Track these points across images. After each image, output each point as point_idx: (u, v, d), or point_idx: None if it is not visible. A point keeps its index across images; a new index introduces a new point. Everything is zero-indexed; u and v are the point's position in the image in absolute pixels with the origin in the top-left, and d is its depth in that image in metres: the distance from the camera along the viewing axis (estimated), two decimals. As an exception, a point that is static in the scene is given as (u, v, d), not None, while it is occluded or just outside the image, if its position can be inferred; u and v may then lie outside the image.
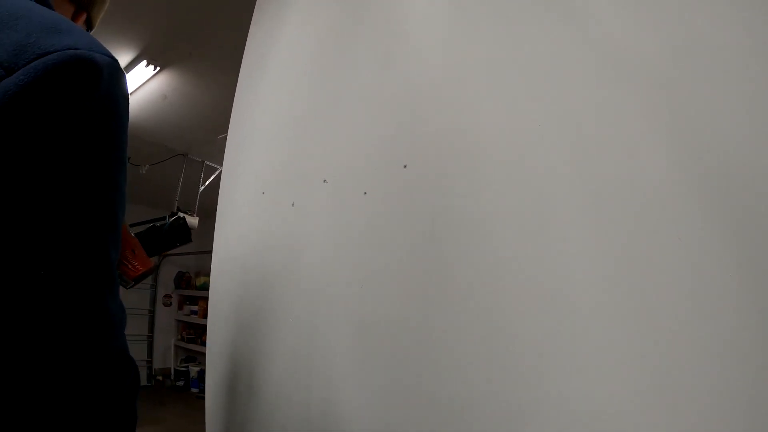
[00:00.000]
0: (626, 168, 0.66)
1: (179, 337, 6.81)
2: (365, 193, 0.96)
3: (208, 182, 5.49)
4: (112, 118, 0.59)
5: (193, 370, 6.36)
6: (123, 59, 3.67)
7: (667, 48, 0.68)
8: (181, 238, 0.97)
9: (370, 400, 0.84)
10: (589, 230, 0.67)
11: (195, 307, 6.61)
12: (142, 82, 3.95)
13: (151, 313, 6.62)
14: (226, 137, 1.43)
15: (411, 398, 0.78)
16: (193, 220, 0.99)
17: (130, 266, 0.83)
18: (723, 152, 0.60)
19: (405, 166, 0.91)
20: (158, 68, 3.74)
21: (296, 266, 1.07)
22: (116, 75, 0.60)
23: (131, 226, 0.97)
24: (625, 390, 0.59)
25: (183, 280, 6.96)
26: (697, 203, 0.60)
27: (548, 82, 0.78)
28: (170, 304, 6.92)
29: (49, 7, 0.67)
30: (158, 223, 0.98)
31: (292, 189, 0.99)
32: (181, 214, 0.94)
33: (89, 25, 0.91)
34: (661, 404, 0.56)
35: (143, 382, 6.34)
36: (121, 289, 0.75)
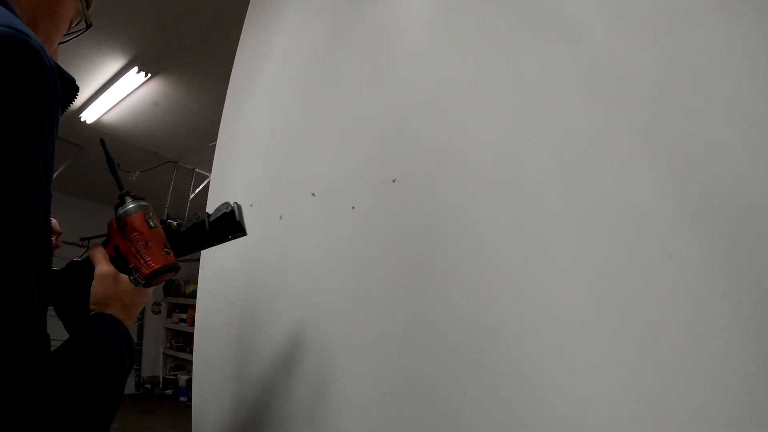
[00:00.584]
0: (618, 184, 0.66)
1: (168, 345, 6.76)
2: (353, 207, 0.95)
3: (198, 190, 5.47)
4: (20, 91, 0.52)
5: (182, 378, 6.31)
6: (113, 66, 3.66)
7: (658, 63, 0.68)
8: (231, 229, 0.84)
9: (360, 413, 0.83)
10: (581, 246, 0.67)
11: (184, 315, 6.57)
12: (133, 88, 3.93)
13: (140, 321, 6.56)
14: (216, 145, 1.42)
15: (401, 419, 0.77)
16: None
17: (141, 262, 0.73)
18: (715, 168, 0.60)
19: (394, 181, 0.90)
20: (149, 75, 3.73)
21: (283, 279, 1.06)
22: (18, 45, 0.53)
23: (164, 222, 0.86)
24: (616, 407, 0.58)
25: (172, 288, 6.91)
26: (689, 219, 0.60)
27: (539, 99, 0.78)
28: (159, 311, 6.87)
29: None
30: (203, 216, 0.87)
31: (281, 202, 0.98)
32: (231, 202, 0.85)
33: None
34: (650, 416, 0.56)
35: (131, 390, 6.28)
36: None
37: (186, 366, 6.65)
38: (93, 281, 0.75)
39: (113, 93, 4.02)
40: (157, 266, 0.73)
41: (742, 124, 0.60)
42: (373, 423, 0.80)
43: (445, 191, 0.84)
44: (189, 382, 6.16)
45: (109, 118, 4.47)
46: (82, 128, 4.60)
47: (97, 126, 4.59)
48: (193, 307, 6.40)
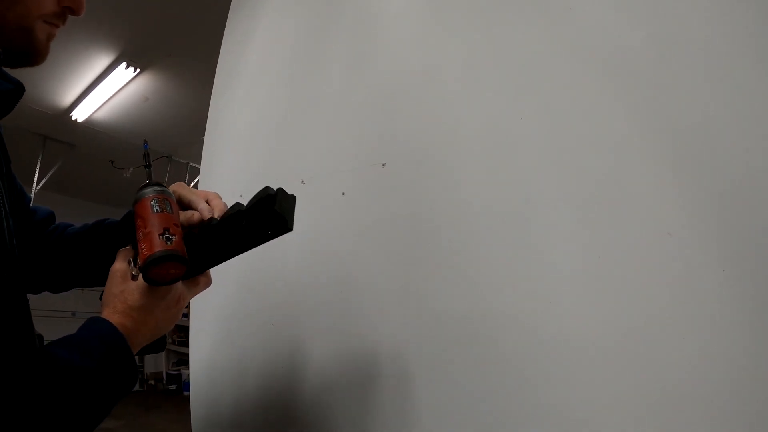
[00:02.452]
0: (612, 163, 0.65)
1: (171, 340, 6.77)
2: (343, 193, 0.94)
3: (192, 184, 5.46)
4: None
5: (185, 373, 6.34)
6: (101, 62, 3.64)
7: (652, 41, 0.67)
8: (270, 221, 0.65)
9: (353, 402, 0.82)
10: (576, 226, 0.66)
11: (186, 310, 6.56)
12: (123, 84, 3.91)
13: (141, 318, 6.57)
14: None
15: (389, 406, 0.77)
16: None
17: (139, 252, 0.63)
18: (711, 147, 0.59)
19: (383, 165, 0.89)
20: (138, 70, 3.71)
21: (274, 269, 1.05)
22: None
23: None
24: (614, 390, 0.58)
25: (172, 283, 6.91)
26: (686, 197, 0.59)
27: (529, 78, 0.76)
28: (160, 307, 6.88)
29: None
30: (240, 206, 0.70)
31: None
32: (272, 188, 0.65)
33: None
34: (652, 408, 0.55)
35: (135, 387, 6.29)
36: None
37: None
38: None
39: (103, 90, 4.02)
40: (149, 253, 0.61)
41: (737, 99, 0.59)
42: (370, 406, 0.79)
43: (435, 174, 0.82)
44: (192, 376, 6.19)
45: (100, 115, 4.46)
46: (74, 127, 4.59)
47: (88, 124, 4.58)
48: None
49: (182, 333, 6.66)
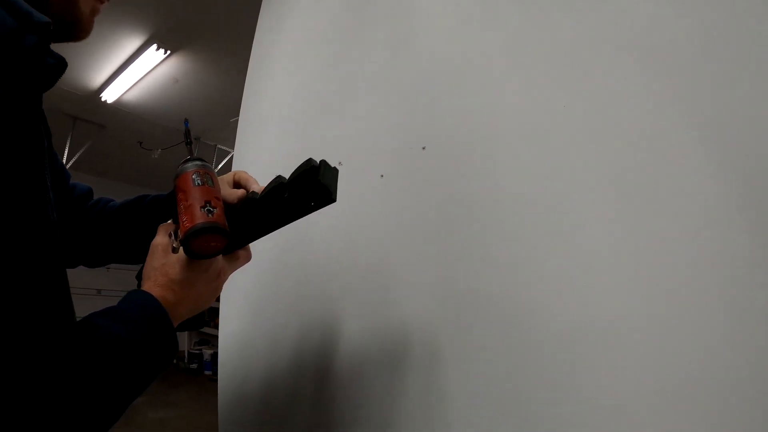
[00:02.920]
0: (653, 156, 0.63)
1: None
2: (382, 175, 0.93)
3: (220, 166, 5.51)
4: None
5: (207, 353, 6.44)
6: (132, 44, 3.67)
7: (697, 32, 0.64)
8: (313, 193, 0.64)
9: (383, 384, 0.82)
10: (612, 217, 0.64)
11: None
12: (153, 66, 3.94)
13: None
14: (238, 120, 1.40)
15: (419, 389, 0.77)
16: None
17: (180, 225, 0.63)
18: (750, 143, 0.57)
19: (423, 149, 0.88)
20: (169, 52, 3.73)
21: (309, 250, 1.06)
22: None
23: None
24: (644, 378, 0.57)
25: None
26: (725, 195, 0.57)
27: (572, 65, 0.74)
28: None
29: None
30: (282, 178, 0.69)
31: (306, 172, 0.97)
32: (315, 160, 0.65)
33: None
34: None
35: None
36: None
37: (210, 340, 6.78)
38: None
39: (133, 71, 4.06)
40: (191, 225, 0.61)
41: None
42: (400, 389, 0.79)
43: (475, 158, 0.81)
44: (213, 356, 6.29)
45: (130, 97, 4.51)
46: (103, 107, 4.65)
47: (117, 105, 4.63)
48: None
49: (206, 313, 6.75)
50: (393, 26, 1.04)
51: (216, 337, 6.20)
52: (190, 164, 0.69)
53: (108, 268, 6.53)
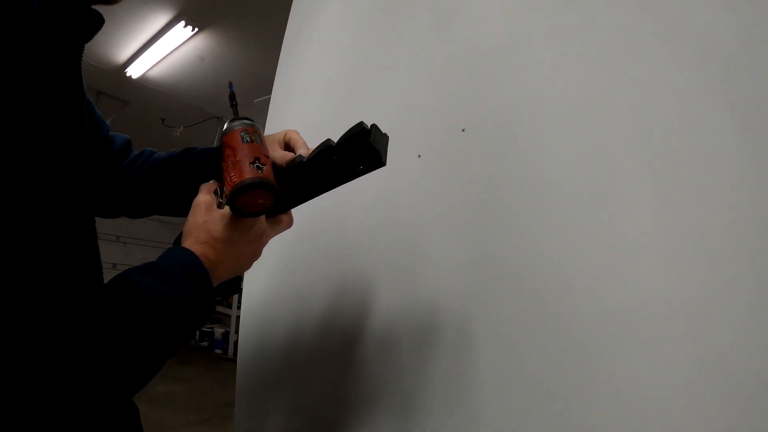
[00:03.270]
0: (694, 149, 0.63)
1: (205, 299, 6.92)
2: (419, 156, 0.93)
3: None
4: None
5: (218, 331, 6.51)
6: (160, 20, 3.68)
7: (745, 29, 0.63)
8: (363, 155, 0.63)
9: (413, 360, 0.82)
10: (651, 206, 0.64)
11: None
12: (180, 43, 3.96)
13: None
14: (263, 101, 1.40)
15: (448, 368, 0.76)
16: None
17: (227, 180, 0.62)
18: None
19: (463, 130, 0.87)
20: (196, 29, 3.74)
21: (341, 229, 1.06)
22: None
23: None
24: (677, 370, 0.56)
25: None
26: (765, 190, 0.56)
27: (616, 54, 0.73)
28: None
29: None
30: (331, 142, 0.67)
31: (341, 150, 0.97)
32: (367, 124, 0.63)
33: None
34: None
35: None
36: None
37: (222, 319, 6.84)
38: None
39: (159, 48, 4.07)
40: (239, 180, 0.60)
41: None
42: (430, 365, 0.79)
43: (514, 143, 0.81)
44: (224, 335, 6.36)
45: (155, 73, 4.53)
46: (128, 83, 4.68)
47: (142, 81, 4.66)
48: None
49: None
50: (436, 6, 1.02)
51: (227, 316, 6.27)
52: (238, 122, 0.68)
53: (125, 244, 6.61)
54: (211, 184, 0.70)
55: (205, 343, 6.53)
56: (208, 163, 0.81)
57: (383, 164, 0.65)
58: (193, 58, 4.18)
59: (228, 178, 0.62)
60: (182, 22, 3.63)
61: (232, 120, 0.69)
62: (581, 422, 0.62)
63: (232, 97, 0.78)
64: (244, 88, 4.41)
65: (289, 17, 1.50)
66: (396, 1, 1.12)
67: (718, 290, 0.56)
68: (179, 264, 0.57)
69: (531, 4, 0.87)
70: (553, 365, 0.67)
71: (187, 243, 0.61)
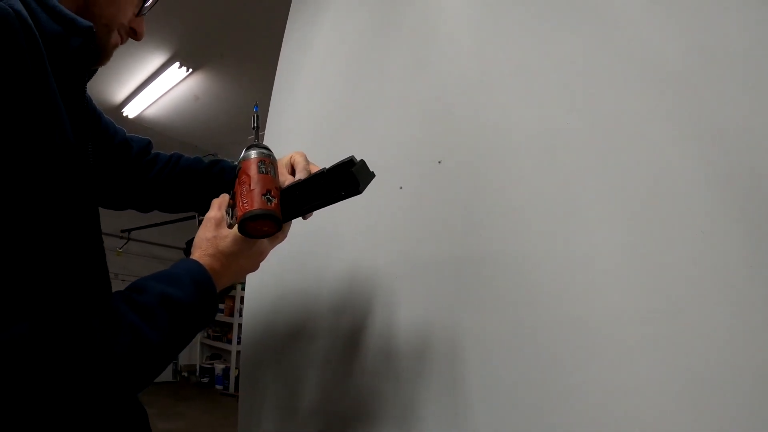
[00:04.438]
0: (651, 164, 0.70)
1: (205, 334, 6.90)
2: (401, 187, 1.00)
3: (235, 181, 5.56)
4: None
5: (218, 367, 6.46)
6: (156, 61, 3.77)
7: (690, 50, 0.71)
8: (345, 183, 0.73)
9: (398, 392, 0.88)
10: (616, 221, 0.71)
11: (221, 305, 6.69)
12: (175, 83, 4.04)
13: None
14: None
15: (435, 391, 0.82)
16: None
17: (240, 204, 0.71)
18: (746, 151, 0.63)
19: (439, 162, 0.95)
20: (190, 70, 3.83)
21: (329, 261, 1.12)
22: None
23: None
24: (642, 376, 0.62)
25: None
26: (720, 199, 0.63)
27: (576, 83, 0.82)
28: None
29: None
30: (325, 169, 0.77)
31: (329, 184, 1.04)
32: (357, 157, 0.74)
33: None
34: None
35: (168, 378, 6.45)
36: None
37: (222, 355, 6.80)
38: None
39: (155, 88, 4.15)
40: (250, 208, 0.69)
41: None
42: (416, 394, 0.85)
43: (487, 171, 0.88)
44: (225, 370, 6.32)
45: (151, 112, 4.61)
46: (125, 123, 4.75)
47: (138, 120, 4.73)
48: (231, 297, 6.45)
49: (217, 327, 6.80)
50: (412, 49, 1.11)
51: (228, 351, 6.24)
52: (256, 151, 0.76)
53: (126, 254, 6.60)
54: (222, 200, 0.78)
55: (205, 380, 6.49)
56: (230, 177, 0.97)
57: (359, 192, 0.73)
58: (187, 97, 4.27)
59: (240, 203, 0.70)
60: (177, 64, 3.73)
61: (252, 146, 0.77)
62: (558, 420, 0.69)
63: (255, 119, 0.86)
64: (235, 124, 4.51)
65: (279, 60, 1.58)
66: (376, 45, 1.21)
67: (680, 299, 0.63)
68: (190, 274, 0.65)
69: (498, 43, 0.95)
70: (528, 370, 0.73)
71: (196, 255, 0.71)
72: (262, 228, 0.71)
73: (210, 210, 0.76)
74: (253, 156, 0.75)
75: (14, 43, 0.50)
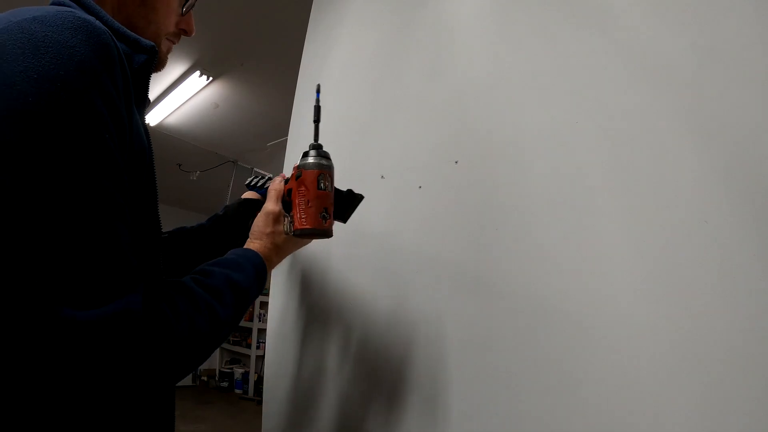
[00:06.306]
0: (657, 162, 0.73)
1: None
2: (420, 186, 1.04)
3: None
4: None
5: (238, 371, 6.52)
6: (177, 70, 3.84)
7: (693, 50, 0.74)
8: (341, 210, 0.90)
9: (422, 390, 0.91)
10: (624, 218, 0.74)
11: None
12: (196, 91, 4.11)
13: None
14: (275, 144, 1.51)
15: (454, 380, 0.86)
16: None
17: (298, 216, 0.79)
18: (746, 147, 0.65)
19: (456, 162, 0.99)
20: (211, 78, 3.89)
21: (356, 250, 1.16)
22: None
23: None
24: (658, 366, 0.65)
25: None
26: (723, 193, 0.66)
27: (584, 85, 0.85)
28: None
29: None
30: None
31: (351, 185, 1.07)
32: (353, 191, 0.94)
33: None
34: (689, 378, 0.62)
35: (188, 382, 6.52)
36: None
37: (241, 360, 6.86)
38: (258, 214, 0.85)
39: (176, 96, 4.21)
40: (308, 226, 0.78)
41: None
42: (436, 393, 0.89)
43: (501, 170, 0.92)
44: (244, 375, 6.38)
45: (172, 120, 4.68)
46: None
47: (159, 128, 4.81)
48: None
49: (237, 333, 6.85)
50: (429, 54, 1.16)
51: (247, 356, 6.29)
52: (317, 161, 0.81)
53: None
54: (278, 191, 0.88)
55: (225, 384, 6.55)
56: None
57: (344, 222, 0.92)
58: (208, 105, 4.34)
59: (297, 215, 0.79)
60: (197, 72, 3.80)
61: (313, 149, 0.83)
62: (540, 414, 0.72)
63: (317, 110, 0.91)
64: (257, 132, 4.57)
65: (300, 66, 1.64)
66: (394, 52, 1.26)
67: (683, 300, 0.65)
68: (250, 262, 0.77)
69: (510, 47, 0.99)
70: (522, 376, 0.76)
71: (255, 246, 0.82)
72: (314, 238, 0.82)
73: (268, 201, 0.87)
74: (314, 166, 0.80)
75: (115, 56, 0.55)
